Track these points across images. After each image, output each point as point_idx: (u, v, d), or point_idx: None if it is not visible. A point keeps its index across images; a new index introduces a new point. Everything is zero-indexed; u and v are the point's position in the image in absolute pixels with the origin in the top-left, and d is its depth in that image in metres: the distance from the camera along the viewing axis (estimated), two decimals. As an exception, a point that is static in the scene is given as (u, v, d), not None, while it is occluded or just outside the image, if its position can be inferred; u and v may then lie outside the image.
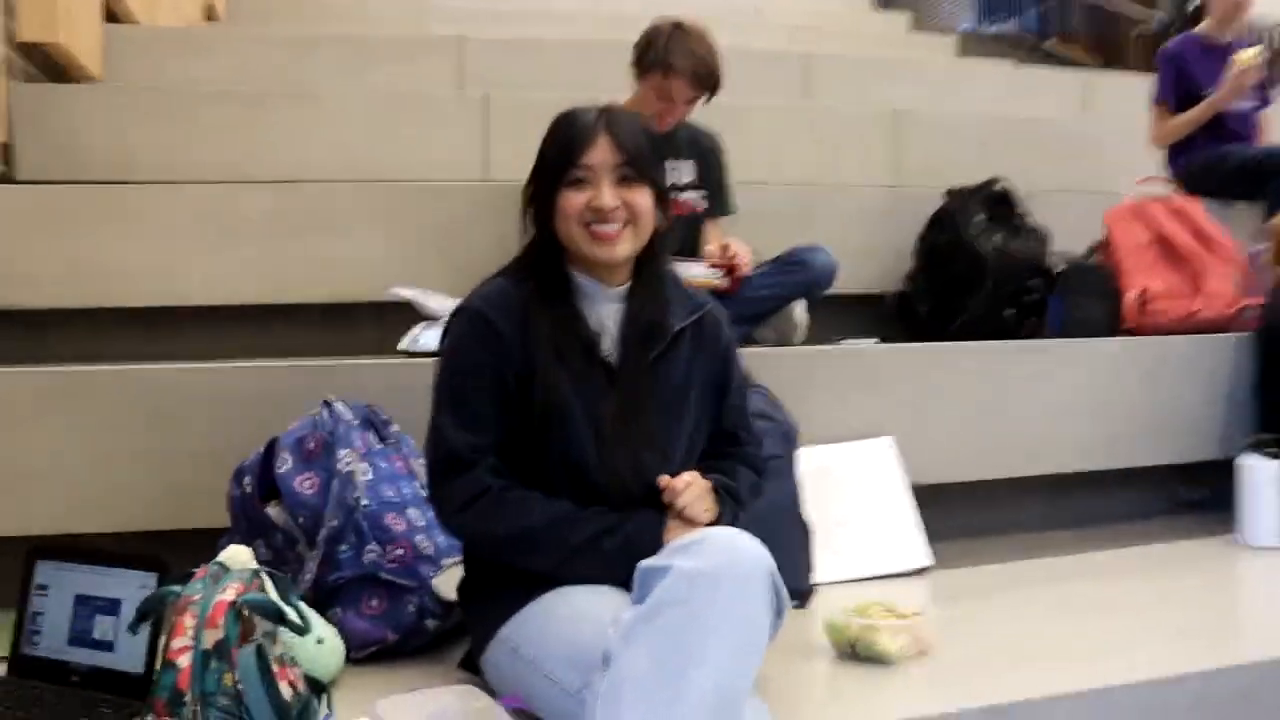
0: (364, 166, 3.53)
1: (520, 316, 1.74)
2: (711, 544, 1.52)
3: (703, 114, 3.12)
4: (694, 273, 2.82)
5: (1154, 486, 3.07)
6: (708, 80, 2.89)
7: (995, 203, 3.34)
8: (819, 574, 2.38)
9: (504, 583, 1.73)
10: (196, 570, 1.64)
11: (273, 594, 1.62)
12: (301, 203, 3.09)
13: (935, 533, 2.59)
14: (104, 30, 4.07)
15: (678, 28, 2.88)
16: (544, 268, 1.78)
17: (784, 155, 3.97)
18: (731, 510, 1.78)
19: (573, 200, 1.72)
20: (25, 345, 2.93)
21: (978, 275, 3.20)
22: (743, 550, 1.53)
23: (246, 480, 2.05)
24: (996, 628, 2.13)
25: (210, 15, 5.94)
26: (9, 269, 2.91)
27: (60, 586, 1.82)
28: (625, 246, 1.75)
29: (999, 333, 3.21)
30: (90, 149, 3.45)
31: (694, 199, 3.10)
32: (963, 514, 2.80)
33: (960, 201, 3.33)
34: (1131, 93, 5.24)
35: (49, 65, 3.67)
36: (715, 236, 3.13)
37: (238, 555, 1.76)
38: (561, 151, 1.73)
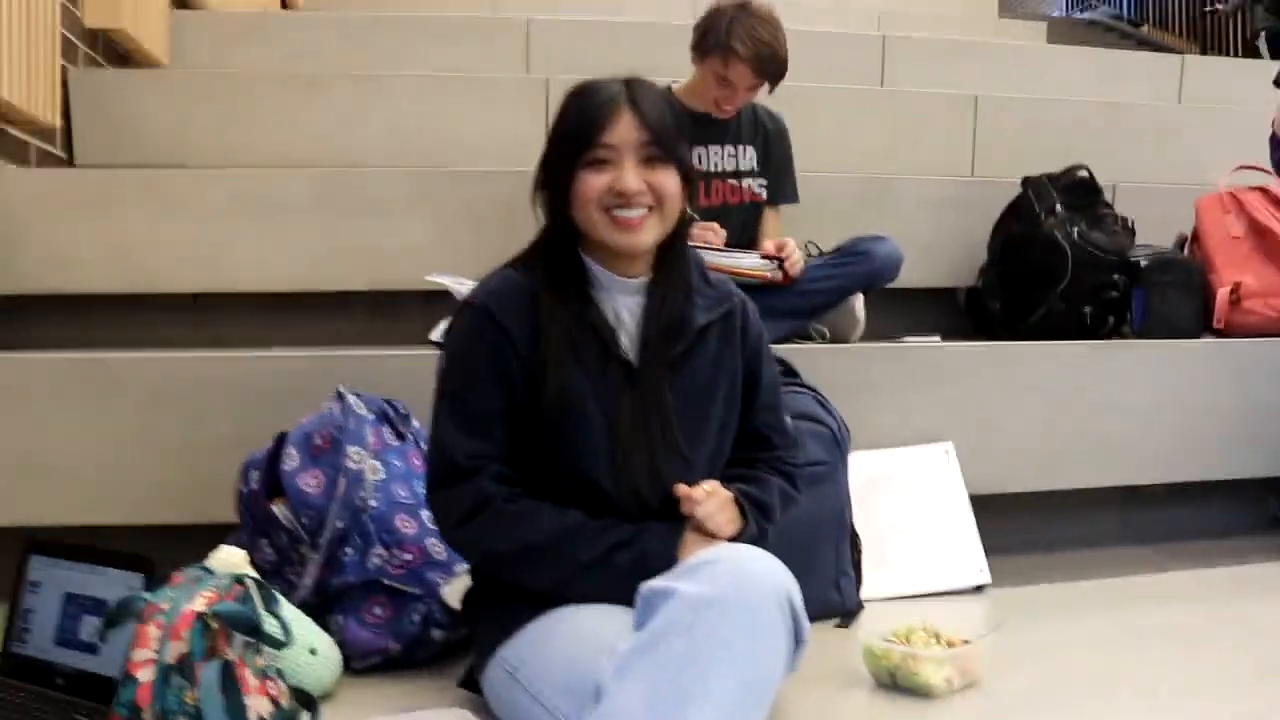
0: (420, 150, 3.39)
1: (529, 310, 1.57)
2: (721, 565, 1.35)
3: (771, 98, 2.92)
4: (746, 264, 2.64)
5: (1243, 501, 2.81)
6: (771, 66, 2.67)
7: (1075, 191, 3.08)
8: (867, 589, 2.18)
9: (509, 597, 1.57)
10: (175, 574, 1.52)
11: (257, 602, 1.49)
12: (351, 187, 2.96)
13: (995, 547, 2.38)
14: (172, 16, 4.00)
15: (741, 8, 2.65)
16: (556, 257, 1.61)
17: (854, 142, 3.74)
18: (757, 523, 1.60)
19: (592, 183, 1.54)
20: (69, 331, 2.88)
21: (1055, 269, 2.95)
22: (756, 573, 1.35)
23: (253, 476, 1.92)
24: (1056, 657, 1.91)
25: (287, 3, 5.89)
26: (56, 252, 2.83)
27: (52, 584, 1.73)
28: (650, 234, 1.57)
29: (1077, 331, 2.96)
30: (148, 134, 3.37)
31: (754, 186, 2.90)
32: (1026, 527, 2.59)
33: (1038, 190, 3.07)
34: (1228, 79, 4.95)
35: (114, 51, 3.62)
36: (774, 226, 2.94)
37: (228, 558, 1.63)
38: (580, 128, 1.55)
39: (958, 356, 2.59)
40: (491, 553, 1.55)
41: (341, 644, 1.79)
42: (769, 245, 2.71)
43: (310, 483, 1.86)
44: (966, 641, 1.76)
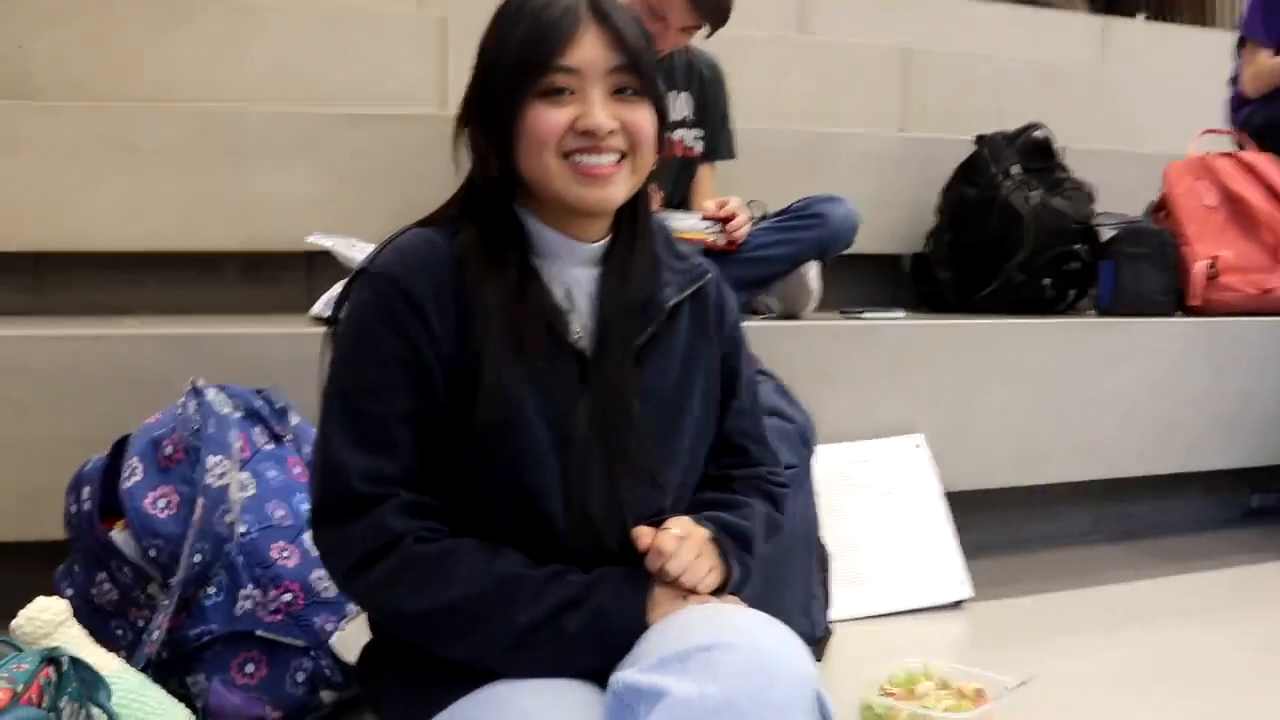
0: (300, 91, 2.88)
1: (450, 282, 1.13)
2: (723, 653, 0.95)
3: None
4: (685, 225, 2.24)
5: (1221, 492, 2.52)
6: (712, 6, 2.24)
7: (1033, 153, 2.74)
8: (836, 608, 1.82)
9: (422, 665, 1.13)
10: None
11: (68, 699, 1.05)
12: (221, 131, 2.47)
13: (970, 546, 2.04)
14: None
15: None
16: (488, 213, 1.18)
17: (780, 94, 3.35)
18: (742, 566, 1.20)
19: (547, 119, 1.09)
20: None
21: (1014, 237, 2.61)
22: (774, 662, 0.96)
23: (84, 492, 1.46)
24: (1056, 694, 1.56)
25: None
26: None
27: None
28: (621, 188, 1.14)
29: (1036, 305, 2.64)
30: (-18, 62, 2.81)
31: (687, 138, 2.48)
32: (1000, 524, 2.26)
33: (994, 150, 2.73)
34: (1150, 40, 4.70)
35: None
36: (709, 185, 2.54)
37: (42, 614, 1.19)
38: (530, 45, 1.10)
39: (926, 335, 2.23)
40: (399, 611, 1.11)
41: (204, 713, 1.35)
42: (709, 205, 2.31)
43: (158, 503, 1.40)
44: (980, 691, 1.40)
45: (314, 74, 2.93)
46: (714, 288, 1.28)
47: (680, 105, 2.47)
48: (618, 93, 1.11)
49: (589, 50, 1.09)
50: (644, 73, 1.11)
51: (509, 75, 1.11)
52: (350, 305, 1.15)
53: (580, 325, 1.16)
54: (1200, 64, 4.46)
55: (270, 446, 1.54)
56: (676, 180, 2.48)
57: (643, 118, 1.12)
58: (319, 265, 2.36)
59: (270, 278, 2.58)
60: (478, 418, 1.10)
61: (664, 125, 1.17)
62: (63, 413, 1.73)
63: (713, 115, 2.51)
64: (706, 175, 2.55)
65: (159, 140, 2.41)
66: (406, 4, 3.65)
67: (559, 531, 1.12)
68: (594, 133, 1.09)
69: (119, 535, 1.42)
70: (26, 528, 1.72)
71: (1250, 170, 2.68)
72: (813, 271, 2.35)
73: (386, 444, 1.10)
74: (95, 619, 1.45)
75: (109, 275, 2.50)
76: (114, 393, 1.73)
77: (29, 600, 1.24)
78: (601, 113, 1.09)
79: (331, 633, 1.41)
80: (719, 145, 2.55)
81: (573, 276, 1.18)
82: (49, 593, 1.29)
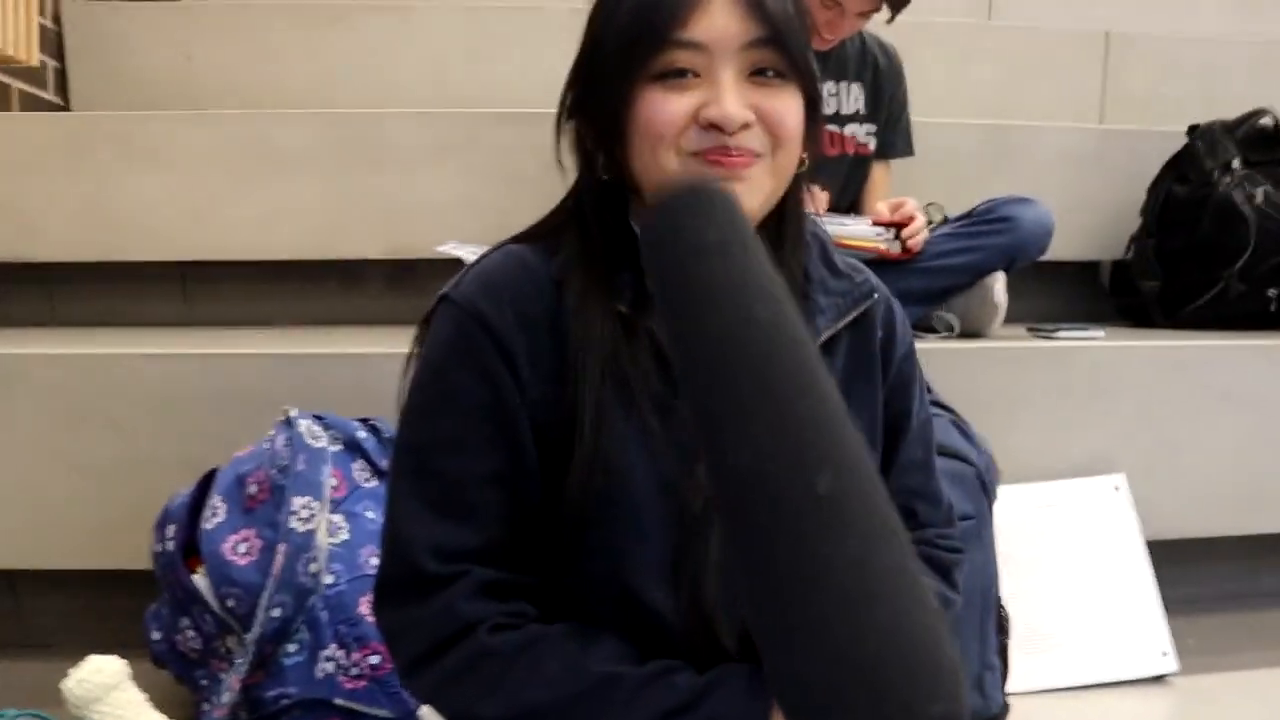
0: (450, 92, 2.75)
1: (549, 313, 0.92)
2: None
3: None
4: (854, 232, 1.98)
5: None
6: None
7: (1257, 144, 2.36)
8: (1015, 679, 1.53)
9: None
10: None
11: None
12: (363, 134, 2.35)
13: (1179, 605, 1.72)
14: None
15: None
16: (596, 228, 0.95)
17: (965, 85, 3.03)
18: None
19: (665, 108, 0.86)
20: (33, 306, 2.36)
21: (1234, 241, 2.25)
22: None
23: (170, 531, 1.32)
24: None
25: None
26: (20, 213, 2.27)
27: None
28: (757, 193, 0.89)
29: (1257, 319, 2.27)
30: (148, 74, 2.81)
31: (859, 134, 2.22)
32: (1216, 580, 1.92)
33: (1210, 141, 2.36)
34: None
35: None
36: (884, 185, 2.27)
37: (93, 676, 1.04)
38: (645, 13, 0.86)
39: (1129, 358, 1.89)
40: (469, 714, 0.91)
41: (276, 787, 1.19)
42: (882, 209, 2.04)
43: (239, 549, 1.25)
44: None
45: (464, 74, 2.81)
46: (881, 311, 1.03)
47: (852, 97, 2.21)
48: (756, 74, 0.87)
49: (719, 20, 0.85)
50: (791, 48, 0.86)
51: (617, 53, 0.88)
52: (427, 342, 0.94)
53: None
54: None
55: (372, 484, 1.37)
56: (847, 181, 2.22)
57: (787, 106, 0.87)
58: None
59: (417, 287, 2.46)
60: (572, 480, 0.88)
61: (816, 115, 0.92)
62: (164, 435, 1.61)
63: (888, 108, 2.24)
64: (881, 175, 2.28)
65: (300, 146, 2.32)
66: (566, -1, 3.51)
67: (667, 623, 0.90)
68: (723, 125, 0.85)
69: (202, 581, 1.27)
70: (136, 554, 1.61)
71: None
72: (999, 284, 2.05)
73: (464, 510, 0.89)
74: (181, 664, 1.32)
75: (255, 285, 2.43)
76: (222, 412, 1.60)
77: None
78: (733, 100, 0.85)
79: (419, 705, 1.23)
80: (895, 141, 2.28)
81: None
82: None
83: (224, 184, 2.31)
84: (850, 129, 2.20)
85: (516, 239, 1.00)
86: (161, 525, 1.33)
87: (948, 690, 0.63)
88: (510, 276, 0.93)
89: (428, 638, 0.89)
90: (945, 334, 2.07)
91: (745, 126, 0.86)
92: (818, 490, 0.52)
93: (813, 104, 0.91)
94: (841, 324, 0.97)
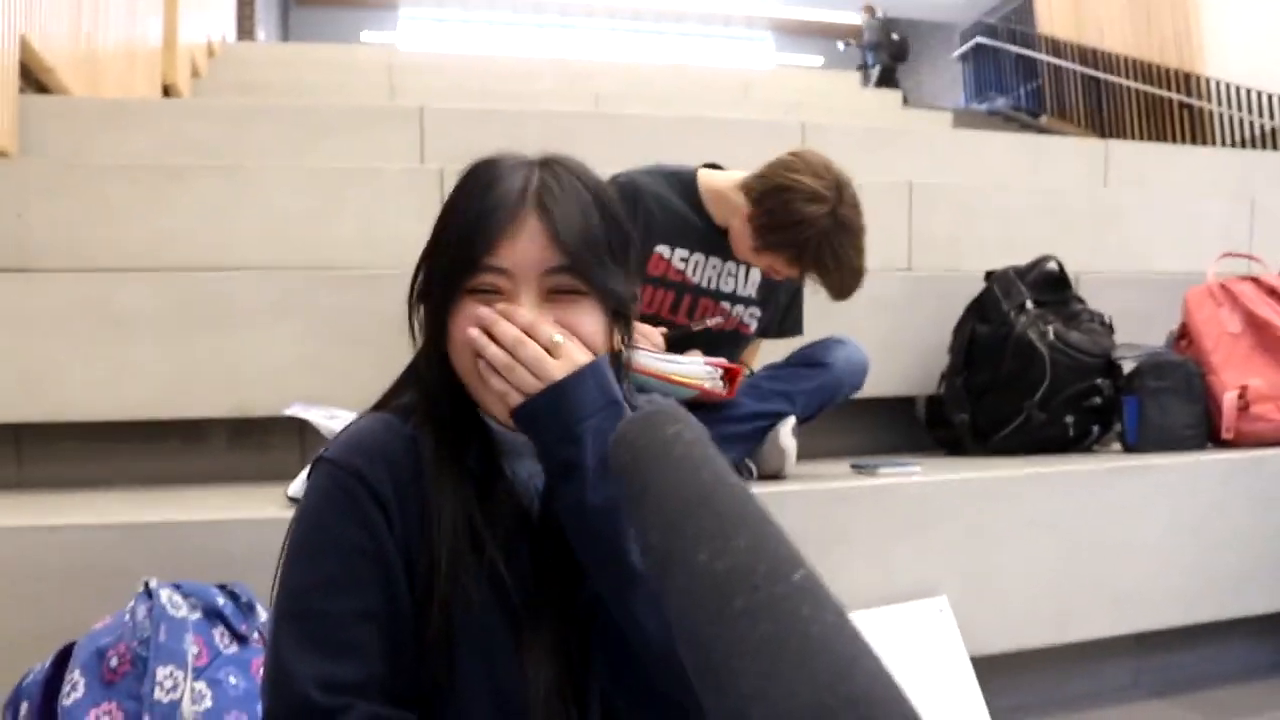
0: (292, 251, 2.80)
1: (412, 468, 1.01)
2: None
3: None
4: (685, 370, 1.97)
5: (1269, 638, 2.32)
6: (852, 292, 2.06)
7: (1045, 286, 2.63)
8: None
9: None
10: None
11: None
12: (203, 294, 2.37)
13: (1003, 711, 1.87)
14: (20, 102, 3.39)
15: (839, 225, 1.97)
16: (439, 403, 1.05)
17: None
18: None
19: (470, 320, 0.99)
20: None
21: (1032, 374, 2.47)
22: None
23: (23, 710, 1.31)
24: None
25: (169, 92, 5.33)
26: None
27: None
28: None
29: (1058, 444, 2.49)
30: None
31: (744, 315, 2.28)
32: (1035, 687, 2.07)
33: (1004, 285, 2.61)
34: (1151, 161, 4.64)
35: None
36: (753, 355, 2.39)
37: None
38: (467, 235, 0.99)
39: (944, 491, 2.06)
40: None
41: None
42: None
43: (101, 724, 1.25)
44: None
45: (303, 234, 2.84)
46: None
47: (749, 282, 2.25)
48: (553, 291, 0.99)
49: (522, 247, 0.97)
50: (586, 273, 0.99)
51: (444, 267, 1.01)
52: (306, 496, 1.02)
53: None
54: (1199, 182, 4.41)
55: (232, 649, 1.39)
56: (730, 355, 2.23)
57: (580, 319, 1.00)
58: (311, 429, 2.24)
59: (259, 443, 2.47)
60: (432, 616, 0.97)
61: (618, 312, 1.04)
62: (12, 609, 1.59)
63: (777, 300, 2.32)
64: (752, 347, 2.38)
65: (140, 307, 2.32)
66: (409, 159, 3.62)
67: None
68: None
69: (60, 759, 1.27)
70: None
71: (1273, 294, 2.55)
72: (785, 430, 2.12)
73: (346, 647, 0.96)
74: None
75: (93, 445, 2.40)
76: (71, 586, 1.59)
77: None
78: (524, 314, 0.97)
79: None
80: (777, 325, 2.36)
81: (527, 472, 1.05)
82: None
83: (60, 345, 2.29)
84: (738, 309, 2.26)
85: (379, 405, 1.09)
86: (14, 704, 1.32)
87: None
88: (378, 438, 1.02)
89: None
90: (747, 479, 2.16)
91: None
92: (795, 579, 0.62)
93: (617, 306, 1.03)
94: None
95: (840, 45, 13.85)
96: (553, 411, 0.96)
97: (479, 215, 0.98)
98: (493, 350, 0.96)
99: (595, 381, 0.97)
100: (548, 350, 0.96)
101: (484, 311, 0.97)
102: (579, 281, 0.99)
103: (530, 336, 0.96)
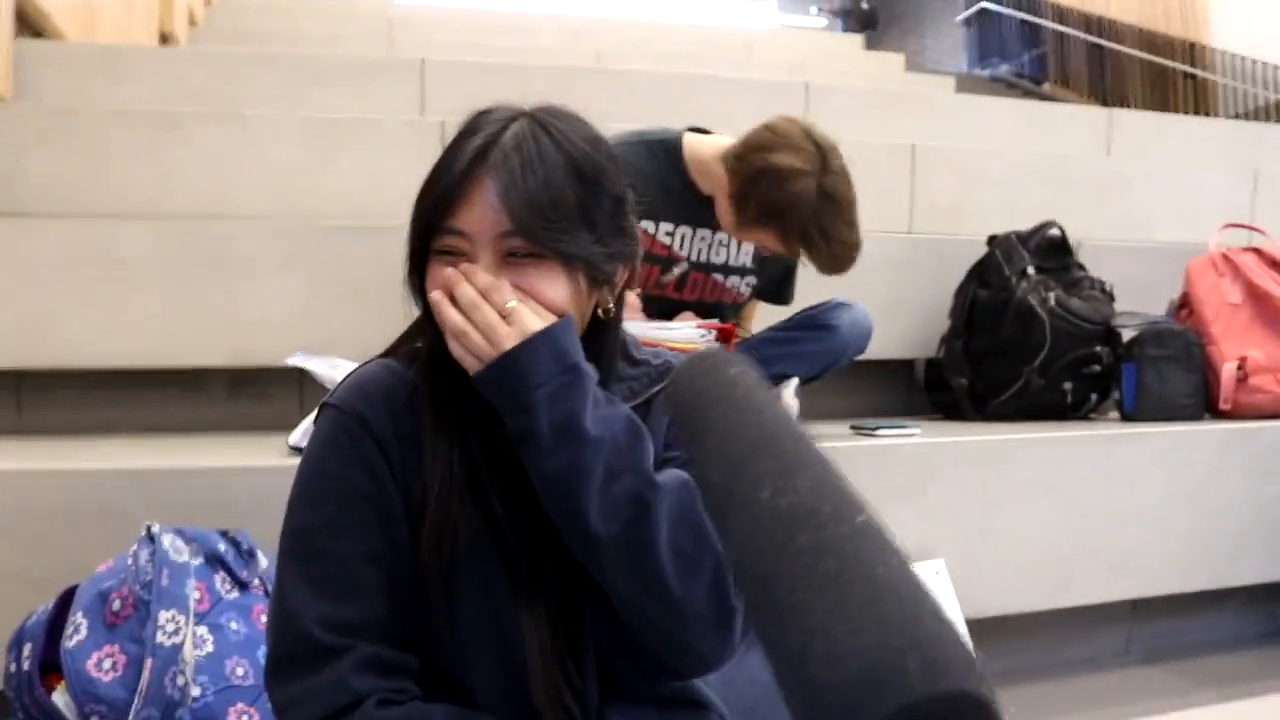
0: (292, 203, 2.78)
1: (413, 411, 1.02)
2: None
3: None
4: (677, 336, 1.95)
5: (1261, 606, 2.34)
6: (847, 266, 1.98)
7: (1047, 253, 2.62)
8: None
9: None
10: None
11: None
12: (206, 243, 2.35)
13: (998, 674, 1.85)
14: (15, 46, 3.36)
15: (826, 198, 1.88)
16: (439, 356, 1.05)
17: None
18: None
19: (436, 280, 0.99)
20: None
21: (1031, 340, 2.48)
22: None
23: (26, 650, 1.31)
24: None
25: (167, 40, 5.27)
26: None
27: None
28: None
29: (1056, 410, 2.50)
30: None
31: (740, 285, 2.26)
32: (1029, 650, 2.08)
33: (1007, 250, 2.60)
34: (1154, 131, 4.62)
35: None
36: (749, 315, 2.37)
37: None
38: (433, 196, 0.99)
39: (942, 453, 2.07)
40: None
41: None
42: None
43: (104, 665, 1.26)
44: None
45: (302, 184, 2.82)
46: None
47: (743, 252, 2.22)
48: (510, 255, 0.99)
49: (477, 211, 0.97)
50: (540, 237, 0.97)
51: (415, 228, 1.01)
52: (311, 440, 1.03)
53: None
54: (1202, 152, 4.40)
55: (234, 595, 1.40)
56: (720, 318, 2.18)
57: (539, 283, 0.98)
58: (310, 380, 2.24)
59: (259, 393, 2.47)
60: (422, 548, 0.98)
61: (591, 269, 1.03)
62: (16, 551, 1.59)
63: (778, 268, 2.28)
64: (750, 308, 2.37)
65: (140, 255, 2.31)
66: (409, 111, 3.60)
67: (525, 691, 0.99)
68: None
69: (61, 698, 1.27)
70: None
71: (1275, 265, 2.55)
72: (789, 390, 2.10)
73: (349, 588, 0.97)
74: (37, 790, 1.30)
75: (93, 393, 2.39)
76: (74, 530, 1.59)
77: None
78: (482, 274, 0.97)
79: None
80: (772, 293, 2.33)
81: None
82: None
83: (60, 292, 2.28)
84: (732, 280, 2.23)
85: (386, 352, 1.10)
86: (17, 644, 1.33)
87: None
88: (381, 383, 1.03)
89: (321, 708, 0.94)
90: None
91: None
92: (858, 521, 0.61)
93: (590, 265, 1.00)
94: (634, 403, 1.07)
95: (813, 9, 13.75)
96: (503, 380, 0.95)
97: (440, 175, 0.98)
98: (449, 315, 0.96)
99: (550, 349, 0.96)
100: (503, 316, 0.96)
101: (449, 272, 0.97)
102: (534, 245, 0.97)
103: (487, 300, 0.96)
